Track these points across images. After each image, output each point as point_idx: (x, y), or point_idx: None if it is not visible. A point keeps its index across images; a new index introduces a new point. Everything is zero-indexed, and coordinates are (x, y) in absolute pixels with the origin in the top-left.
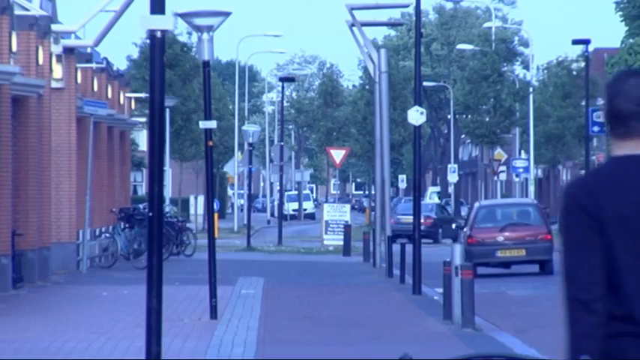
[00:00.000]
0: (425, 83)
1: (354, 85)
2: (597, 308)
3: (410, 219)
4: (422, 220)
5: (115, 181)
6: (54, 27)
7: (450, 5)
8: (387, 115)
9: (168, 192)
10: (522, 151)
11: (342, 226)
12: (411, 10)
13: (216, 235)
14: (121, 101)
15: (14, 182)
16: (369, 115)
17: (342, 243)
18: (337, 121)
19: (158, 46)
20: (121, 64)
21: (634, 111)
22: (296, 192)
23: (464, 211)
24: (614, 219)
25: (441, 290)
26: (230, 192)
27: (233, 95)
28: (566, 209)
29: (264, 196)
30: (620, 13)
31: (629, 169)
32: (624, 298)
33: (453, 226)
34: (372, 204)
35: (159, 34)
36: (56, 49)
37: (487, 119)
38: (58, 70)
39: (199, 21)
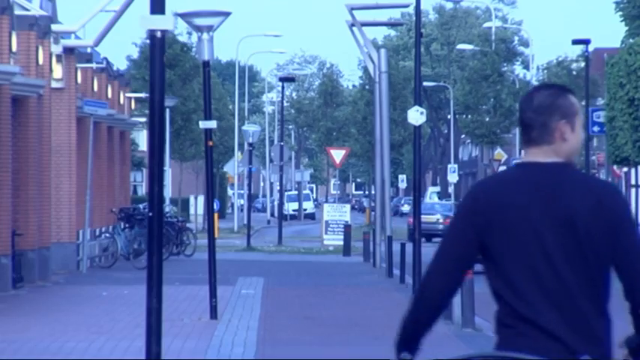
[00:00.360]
0: (425, 83)
1: (354, 85)
2: (445, 300)
3: (432, 218)
4: (442, 220)
5: (115, 181)
6: (54, 27)
7: (450, 5)
8: (387, 115)
9: (168, 192)
10: (522, 151)
11: (342, 226)
12: (411, 10)
13: (216, 235)
14: (121, 101)
15: (14, 182)
16: (369, 115)
17: (342, 243)
18: (337, 121)
19: (158, 46)
20: (121, 64)
21: (534, 119)
22: (296, 192)
23: None
24: (502, 225)
25: None
26: (230, 192)
27: (233, 95)
28: (458, 213)
29: (264, 196)
30: (620, 13)
31: (525, 175)
32: (519, 297)
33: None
34: (372, 204)
35: (159, 34)
36: (56, 49)
37: (487, 119)
38: (58, 70)
39: (199, 21)
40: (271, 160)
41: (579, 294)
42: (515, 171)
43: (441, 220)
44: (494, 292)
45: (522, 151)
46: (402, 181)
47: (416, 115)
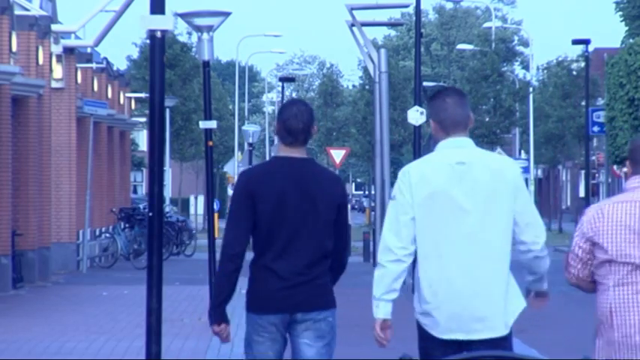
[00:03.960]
0: (425, 83)
1: (354, 85)
2: (237, 260)
3: None
4: None
5: (115, 181)
6: (54, 27)
7: (450, 5)
8: (387, 115)
9: (168, 192)
10: (522, 151)
11: None
12: (411, 10)
13: (216, 235)
14: (121, 101)
15: (14, 182)
16: (369, 115)
17: None
18: (337, 121)
19: (158, 46)
20: (121, 64)
21: (301, 128)
22: None
23: None
24: (265, 198)
25: None
26: (230, 192)
27: (233, 95)
28: (235, 189)
29: None
30: (620, 13)
31: (281, 164)
32: (269, 251)
33: None
34: (372, 204)
35: (159, 34)
36: (56, 49)
37: (487, 119)
38: (58, 70)
39: (199, 21)
40: None
41: (310, 252)
42: (275, 162)
43: None
44: (254, 247)
45: (282, 149)
46: None
47: (416, 115)
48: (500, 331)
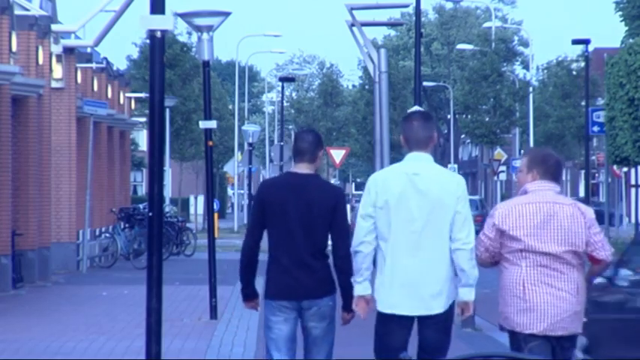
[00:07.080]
0: (425, 83)
1: (354, 85)
2: (249, 252)
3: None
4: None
5: (115, 181)
6: (54, 27)
7: (450, 5)
8: (387, 115)
9: (168, 192)
10: (522, 151)
11: None
12: (411, 10)
13: (216, 235)
14: (121, 101)
15: (14, 182)
16: (369, 115)
17: None
18: (337, 121)
19: (158, 46)
20: (121, 64)
21: (305, 148)
22: None
23: None
24: (271, 205)
25: None
26: (230, 192)
27: (233, 95)
28: (255, 196)
29: None
30: (620, 13)
31: (288, 178)
32: (276, 248)
33: None
34: None
35: (159, 34)
36: (56, 49)
37: (487, 119)
38: (58, 70)
39: (199, 21)
40: (271, 160)
41: (305, 248)
42: (285, 176)
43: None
44: (268, 245)
45: (293, 163)
46: None
47: None
48: (437, 310)
